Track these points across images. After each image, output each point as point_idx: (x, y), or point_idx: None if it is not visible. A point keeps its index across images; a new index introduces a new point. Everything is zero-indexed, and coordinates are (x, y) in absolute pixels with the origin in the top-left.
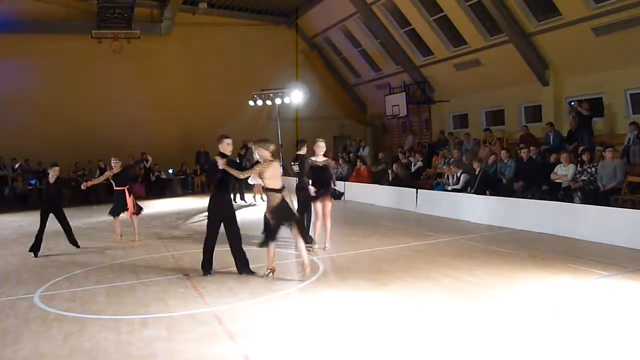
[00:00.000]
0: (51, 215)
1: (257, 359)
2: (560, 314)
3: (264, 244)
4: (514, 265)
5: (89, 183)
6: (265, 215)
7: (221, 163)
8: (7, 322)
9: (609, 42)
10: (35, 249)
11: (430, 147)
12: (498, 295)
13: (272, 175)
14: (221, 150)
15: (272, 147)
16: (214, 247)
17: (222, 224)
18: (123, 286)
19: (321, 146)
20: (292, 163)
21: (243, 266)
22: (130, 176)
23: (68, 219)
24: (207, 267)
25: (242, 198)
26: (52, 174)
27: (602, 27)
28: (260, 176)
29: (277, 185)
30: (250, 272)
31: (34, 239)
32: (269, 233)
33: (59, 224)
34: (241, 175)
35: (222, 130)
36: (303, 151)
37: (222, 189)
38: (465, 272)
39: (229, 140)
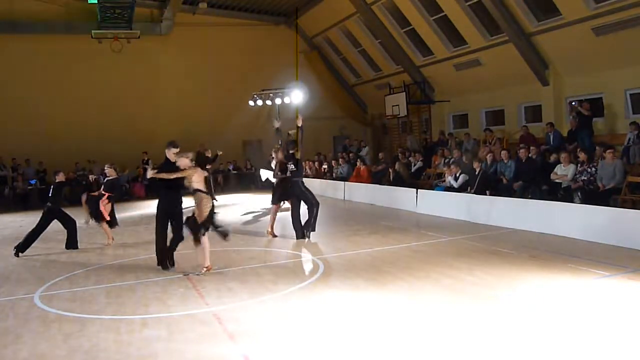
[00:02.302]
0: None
1: (257, 359)
2: (561, 314)
3: (197, 240)
4: (514, 265)
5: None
6: (192, 215)
7: (150, 173)
8: (7, 322)
9: (609, 42)
10: (22, 247)
11: (430, 147)
12: (498, 295)
13: (200, 179)
14: (167, 157)
15: (190, 155)
16: (166, 242)
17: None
18: (123, 286)
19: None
20: (288, 163)
21: (170, 261)
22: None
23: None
24: (167, 261)
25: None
26: (60, 178)
27: (602, 27)
28: (189, 180)
29: (205, 188)
30: (166, 268)
31: (25, 237)
32: (196, 232)
33: (64, 225)
34: (171, 176)
35: (223, 130)
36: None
37: (169, 188)
38: (466, 272)
39: (175, 150)
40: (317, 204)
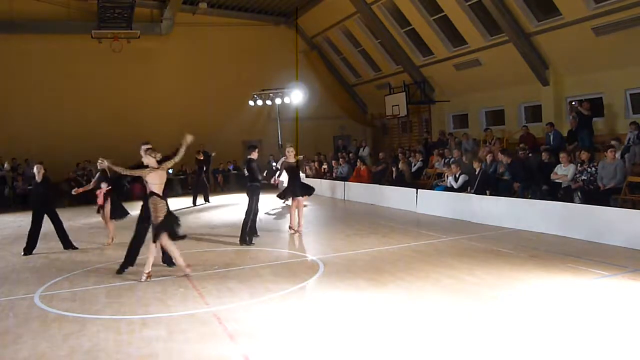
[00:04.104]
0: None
1: (257, 359)
2: (561, 314)
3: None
4: (514, 265)
5: (80, 190)
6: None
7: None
8: (7, 322)
9: (609, 42)
10: (28, 248)
11: (430, 147)
12: (498, 295)
13: (156, 181)
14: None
15: (158, 155)
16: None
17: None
18: (123, 286)
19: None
20: (246, 166)
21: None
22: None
23: (61, 220)
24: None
25: (207, 199)
26: (38, 173)
27: (602, 27)
28: (144, 180)
29: (160, 191)
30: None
31: (27, 239)
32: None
33: (56, 226)
34: (123, 171)
35: (223, 130)
36: (254, 155)
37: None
38: (466, 272)
39: (145, 147)
40: (249, 213)
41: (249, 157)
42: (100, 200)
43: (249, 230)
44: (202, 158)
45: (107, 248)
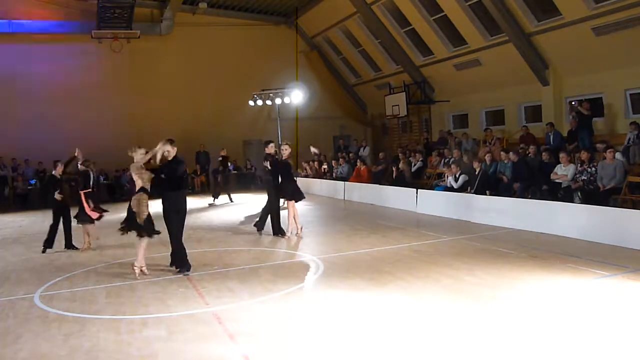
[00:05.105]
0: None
1: (257, 359)
2: (561, 314)
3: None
4: (514, 265)
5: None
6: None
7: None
8: (7, 322)
9: (609, 42)
10: (48, 244)
11: (431, 147)
12: (498, 295)
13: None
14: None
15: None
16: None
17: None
18: (123, 286)
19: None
20: (264, 162)
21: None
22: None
23: (71, 221)
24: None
25: (216, 197)
26: (59, 170)
27: (602, 27)
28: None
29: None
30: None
31: (47, 234)
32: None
33: (64, 224)
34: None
35: (223, 130)
36: (269, 150)
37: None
38: (466, 272)
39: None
40: (276, 209)
41: (265, 153)
42: (88, 209)
43: (259, 223)
44: (224, 154)
45: (107, 248)
